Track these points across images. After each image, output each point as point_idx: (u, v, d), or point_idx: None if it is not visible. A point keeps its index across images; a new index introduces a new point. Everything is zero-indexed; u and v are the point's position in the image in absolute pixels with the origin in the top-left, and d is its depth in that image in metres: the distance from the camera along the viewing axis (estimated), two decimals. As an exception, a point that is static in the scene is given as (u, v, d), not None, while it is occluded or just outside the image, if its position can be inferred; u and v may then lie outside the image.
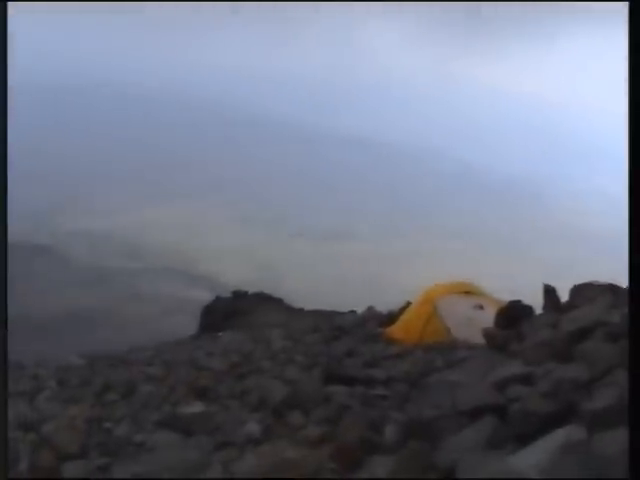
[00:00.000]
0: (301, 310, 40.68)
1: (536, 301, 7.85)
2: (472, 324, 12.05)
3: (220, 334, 25.99)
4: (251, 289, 47.74)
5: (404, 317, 13.93)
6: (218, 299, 46.57)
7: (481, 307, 12.91)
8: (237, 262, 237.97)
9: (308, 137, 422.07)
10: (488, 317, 10.50)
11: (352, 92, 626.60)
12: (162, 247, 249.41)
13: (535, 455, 3.81)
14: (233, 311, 40.94)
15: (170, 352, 18.43)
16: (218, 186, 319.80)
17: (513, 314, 7.36)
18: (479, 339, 8.27)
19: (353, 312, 26.55)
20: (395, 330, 13.52)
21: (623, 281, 6.06)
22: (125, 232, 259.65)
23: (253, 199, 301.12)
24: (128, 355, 19.81)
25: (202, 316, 43.82)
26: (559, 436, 3.88)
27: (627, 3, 5.97)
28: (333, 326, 16.38)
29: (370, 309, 19.75)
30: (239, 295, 46.14)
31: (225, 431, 7.05)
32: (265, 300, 44.89)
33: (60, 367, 20.08)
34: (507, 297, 11.71)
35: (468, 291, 13.65)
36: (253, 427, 6.81)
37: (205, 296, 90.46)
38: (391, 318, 15.01)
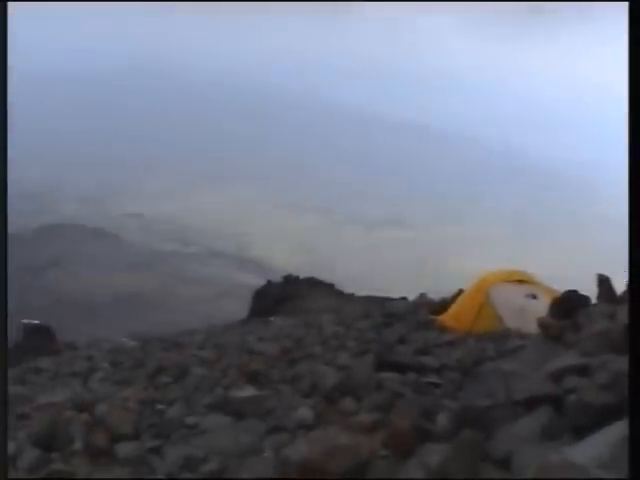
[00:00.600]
0: (352, 296, 40.66)
1: (590, 290, 7.76)
2: (525, 313, 11.96)
3: (271, 319, 26.05)
4: (302, 274, 47.80)
5: (456, 305, 13.86)
6: (269, 284, 46.65)
7: (534, 296, 12.79)
8: (288, 247, 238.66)
9: (360, 123, 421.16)
10: (541, 306, 10.39)
11: (406, 79, 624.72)
12: (213, 231, 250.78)
13: (595, 448, 3.76)
14: (284, 296, 41.01)
15: (221, 336, 18.51)
16: (269, 171, 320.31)
17: (569, 304, 7.26)
18: (532, 328, 8.19)
19: (404, 299, 26.46)
20: (447, 318, 13.45)
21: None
22: (176, 216, 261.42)
23: (304, 184, 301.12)
24: (180, 338, 19.94)
25: (253, 300, 43.89)
26: (620, 429, 3.83)
27: (627, 3, 5.93)
28: (385, 312, 16.33)
29: (422, 296, 19.67)
30: (290, 280, 46.20)
31: (277, 416, 7.07)
32: (316, 285, 44.91)
33: (113, 349, 20.28)
34: (560, 286, 11.61)
35: (521, 280, 13.52)
36: (305, 412, 6.81)
37: (255, 281, 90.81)
38: (443, 305, 14.93)
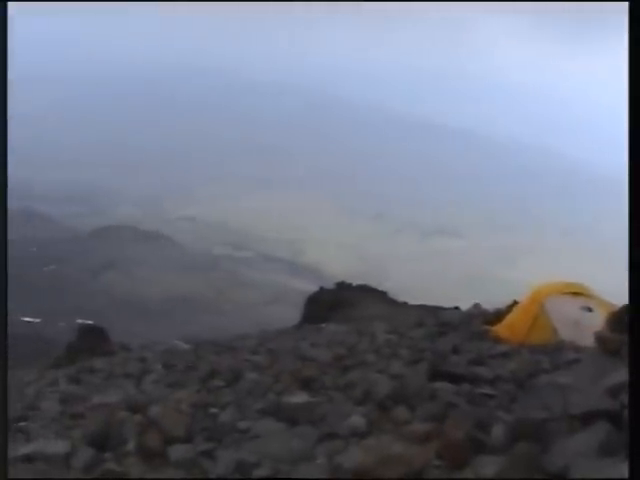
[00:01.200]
0: (405, 304, 40.56)
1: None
2: (580, 326, 11.89)
3: (323, 325, 26.04)
4: (354, 281, 47.81)
5: (511, 316, 13.77)
6: (322, 290, 46.58)
7: (589, 309, 12.69)
8: (342, 254, 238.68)
9: (416, 131, 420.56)
10: (596, 319, 10.30)
11: (461, 86, 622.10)
12: (268, 236, 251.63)
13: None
14: (337, 302, 40.92)
15: (274, 341, 18.53)
16: (324, 177, 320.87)
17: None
18: (587, 342, 8.12)
19: (457, 308, 26.34)
20: (501, 329, 13.37)
21: None
22: (231, 220, 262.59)
23: (359, 192, 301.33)
24: (233, 342, 20.01)
25: (305, 306, 43.86)
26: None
27: (627, 3, 5.92)
28: (438, 322, 16.30)
29: (476, 306, 19.56)
30: (343, 287, 46.17)
31: (329, 423, 7.06)
32: (369, 293, 44.85)
33: (166, 351, 20.39)
34: (614, 298, 11.50)
35: (577, 292, 13.40)
36: (358, 420, 6.80)
37: (308, 286, 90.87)
38: (497, 316, 14.83)
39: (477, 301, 20.49)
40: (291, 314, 53.45)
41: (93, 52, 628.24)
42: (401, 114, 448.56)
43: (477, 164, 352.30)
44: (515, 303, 14.66)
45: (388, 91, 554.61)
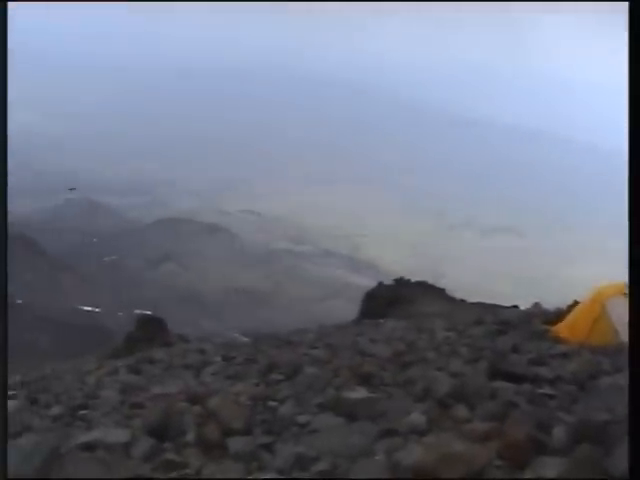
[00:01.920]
0: (463, 301, 40.46)
1: None
2: (642, 328, 11.71)
3: (382, 321, 25.99)
4: (413, 277, 47.69)
5: (571, 316, 13.61)
6: (380, 286, 46.54)
7: (653, 311, 12.49)
8: (400, 250, 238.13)
9: (477, 128, 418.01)
10: (660, 322, 10.16)
11: (523, 84, 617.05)
12: (327, 231, 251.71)
13: None
14: (395, 299, 40.88)
15: (333, 336, 18.54)
16: (385, 174, 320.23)
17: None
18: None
19: (516, 307, 26.18)
20: (561, 329, 13.23)
21: None
22: (291, 214, 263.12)
23: (420, 188, 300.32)
24: (292, 336, 20.05)
25: (364, 302, 43.83)
26: None
27: (627, 3, 5.95)
28: (498, 320, 16.18)
29: (536, 305, 19.41)
30: (402, 283, 46.09)
31: (388, 419, 7.03)
32: (427, 289, 44.75)
33: (225, 343, 20.52)
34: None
35: (640, 293, 13.19)
36: (417, 417, 6.76)
37: (366, 282, 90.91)
38: (558, 316, 14.68)
39: (536, 300, 20.35)
40: (349, 309, 53.52)
41: (155, 46, 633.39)
42: (464, 113, 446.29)
43: (541, 163, 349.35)
44: (576, 303, 14.50)
45: (451, 90, 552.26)
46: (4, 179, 7.36)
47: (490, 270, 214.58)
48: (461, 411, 6.91)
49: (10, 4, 7.58)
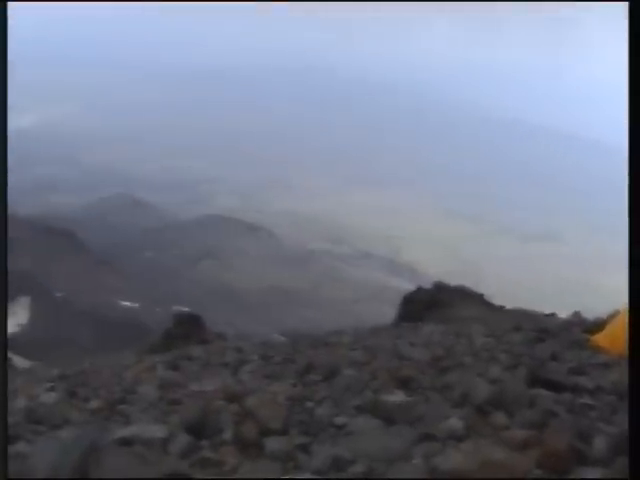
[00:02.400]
0: (501, 308, 40.31)
1: None
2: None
3: (419, 324, 25.99)
4: (452, 282, 47.57)
5: (611, 326, 13.50)
6: (419, 289, 46.34)
7: (697, 323, 12.37)
8: (440, 254, 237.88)
9: (520, 133, 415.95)
10: None
11: (562, 87, 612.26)
12: (366, 233, 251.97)
13: None
14: (433, 303, 40.79)
15: (370, 338, 18.53)
16: (425, 176, 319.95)
17: None
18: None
19: (553, 315, 26.04)
20: (601, 338, 13.13)
21: None
22: (330, 215, 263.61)
23: (460, 192, 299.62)
24: (329, 337, 20.07)
25: (401, 305, 43.69)
26: None
27: (627, 3, 5.97)
28: (537, 327, 16.10)
29: (576, 314, 19.33)
30: (440, 287, 45.87)
31: (426, 423, 7.02)
32: (465, 294, 44.52)
33: (263, 342, 20.57)
34: None
35: (683, 304, 13.06)
36: (456, 423, 6.74)
37: (405, 285, 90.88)
38: (597, 325, 14.59)
39: (576, 308, 20.28)
40: (386, 312, 53.49)
41: (196, 44, 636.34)
42: (506, 115, 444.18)
43: (583, 169, 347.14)
44: (617, 313, 14.39)
45: (492, 91, 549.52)
46: (4, 178, 7.38)
47: (529, 276, 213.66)
48: (500, 418, 6.88)
49: (10, 4, 7.60)
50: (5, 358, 7.09)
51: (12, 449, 7.09)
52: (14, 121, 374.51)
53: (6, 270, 7.29)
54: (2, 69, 7.29)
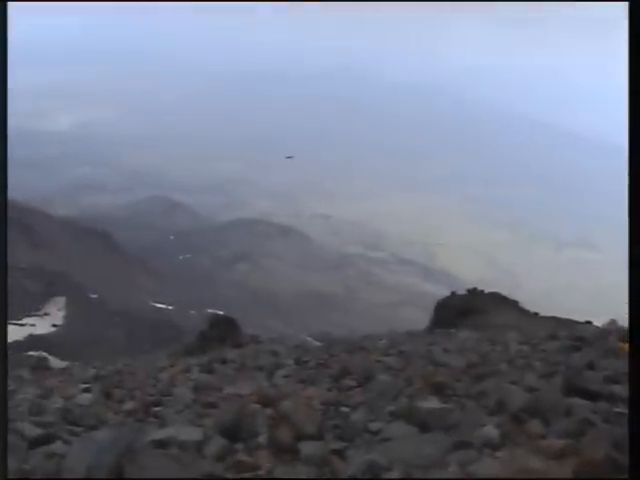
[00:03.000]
0: (536, 315, 40.07)
1: None
2: None
3: (453, 330, 25.91)
4: (486, 288, 47.35)
5: (647, 335, 13.37)
6: (453, 295, 46.17)
7: None
8: (474, 260, 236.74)
9: (558, 140, 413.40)
10: None
11: (601, 95, 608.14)
12: (401, 238, 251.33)
13: None
14: (467, 309, 40.62)
15: (405, 343, 18.52)
16: (461, 181, 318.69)
17: None
18: None
19: (589, 323, 25.87)
20: (637, 347, 13.00)
21: None
22: (366, 219, 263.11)
23: (496, 197, 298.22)
24: (363, 342, 20.06)
25: (435, 310, 43.56)
26: None
27: (627, 3, 5.95)
28: (572, 335, 16.01)
29: (612, 322, 19.16)
30: (474, 293, 45.67)
31: (461, 431, 7.00)
32: (500, 301, 44.31)
33: (298, 346, 20.59)
34: None
35: None
36: (491, 431, 6.71)
37: (439, 291, 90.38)
38: (634, 334, 14.44)
39: (612, 316, 20.12)
40: (420, 317, 53.37)
41: (233, 47, 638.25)
42: (545, 121, 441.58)
43: (619, 176, 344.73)
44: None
45: (530, 95, 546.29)
46: (4, 178, 7.41)
47: (564, 284, 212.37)
48: (535, 427, 6.84)
49: (10, 4, 7.64)
50: (5, 358, 7.13)
51: (48, 449, 7.17)
52: (52, 123, 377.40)
53: (6, 270, 7.32)
54: (2, 69, 7.31)
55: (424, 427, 7.26)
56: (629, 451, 3.83)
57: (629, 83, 5.72)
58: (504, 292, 48.29)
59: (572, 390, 8.47)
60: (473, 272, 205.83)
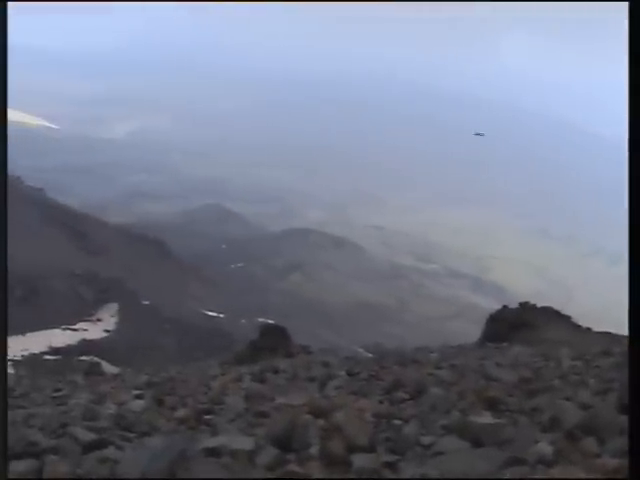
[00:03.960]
0: (589, 330, 39.71)
1: None
2: None
3: (504, 344, 25.76)
4: (539, 302, 47.00)
5: None
6: (505, 309, 45.85)
7: None
8: (527, 273, 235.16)
9: (614, 152, 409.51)
10: None
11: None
12: (453, 250, 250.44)
13: None
14: (519, 323, 40.34)
15: (457, 357, 18.44)
16: (516, 194, 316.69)
17: None
18: None
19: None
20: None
21: None
22: (418, 231, 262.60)
23: (552, 211, 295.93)
24: (415, 354, 20.01)
25: (487, 324, 43.29)
26: None
27: (627, 3, 5.97)
28: (625, 351, 15.84)
29: (667, 339, 18.90)
30: (527, 307, 45.32)
31: (515, 447, 6.94)
32: (552, 316, 43.93)
33: (349, 358, 20.58)
34: None
35: None
36: (545, 447, 6.65)
37: (490, 304, 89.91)
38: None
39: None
40: (471, 330, 53.11)
41: (288, 58, 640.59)
42: (601, 132, 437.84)
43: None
44: None
45: (585, 106, 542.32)
46: (4, 178, 7.46)
47: (618, 298, 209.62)
48: (590, 445, 6.75)
49: (10, 4, 7.70)
50: (5, 359, 7.18)
51: (101, 454, 7.23)
52: (108, 130, 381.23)
53: (6, 269, 7.36)
54: (2, 69, 7.36)
55: (477, 442, 7.20)
56: (629, 451, 3.79)
57: (629, 83, 5.73)
58: (557, 306, 47.90)
59: (626, 408, 8.37)
60: (525, 285, 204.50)
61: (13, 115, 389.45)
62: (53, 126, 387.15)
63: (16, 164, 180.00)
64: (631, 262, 4.99)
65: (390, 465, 6.75)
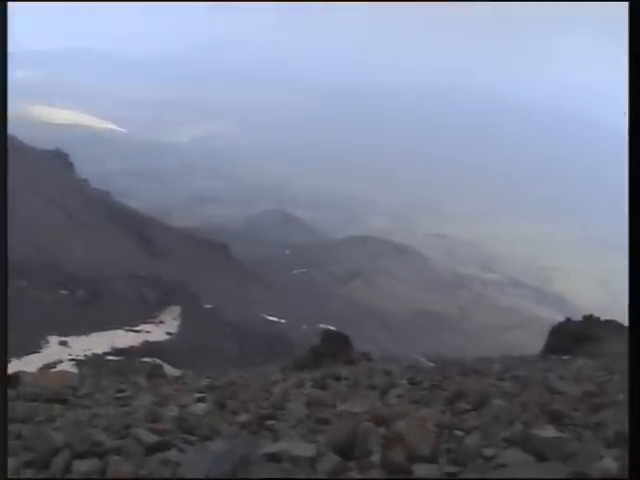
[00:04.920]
0: (654, 345, 39.00)
1: None
2: None
3: (567, 357, 25.52)
4: (602, 315, 46.54)
5: None
6: (568, 321, 45.35)
7: None
8: (590, 285, 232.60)
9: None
10: None
11: None
12: (516, 260, 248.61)
13: None
14: (582, 336, 39.85)
15: (519, 368, 18.30)
16: (578, 204, 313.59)
17: None
18: None
19: None
20: None
21: None
22: (480, 241, 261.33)
23: (613, 221, 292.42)
24: (477, 365, 19.87)
25: (549, 336, 42.85)
26: None
27: (627, 3, 5.96)
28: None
29: None
30: (590, 320, 44.79)
31: (579, 462, 6.86)
32: (616, 329, 43.34)
33: (411, 366, 20.49)
34: None
35: None
36: (610, 464, 6.57)
37: (553, 316, 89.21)
38: None
39: None
40: (533, 341, 52.66)
41: (350, 64, 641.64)
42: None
43: None
44: None
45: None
46: (4, 178, 7.51)
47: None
48: (656, 461, 6.68)
49: (10, 4, 7.75)
50: (5, 359, 7.24)
51: (163, 456, 7.29)
52: (173, 136, 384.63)
53: (6, 269, 7.41)
54: (2, 69, 7.41)
55: (540, 456, 7.13)
56: (629, 451, 3.73)
57: (629, 83, 5.70)
58: (620, 320, 47.37)
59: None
60: (588, 297, 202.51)
61: (81, 119, 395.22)
62: (120, 129, 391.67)
63: (83, 167, 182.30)
64: (631, 262, 4.95)
65: (451, 476, 6.73)
